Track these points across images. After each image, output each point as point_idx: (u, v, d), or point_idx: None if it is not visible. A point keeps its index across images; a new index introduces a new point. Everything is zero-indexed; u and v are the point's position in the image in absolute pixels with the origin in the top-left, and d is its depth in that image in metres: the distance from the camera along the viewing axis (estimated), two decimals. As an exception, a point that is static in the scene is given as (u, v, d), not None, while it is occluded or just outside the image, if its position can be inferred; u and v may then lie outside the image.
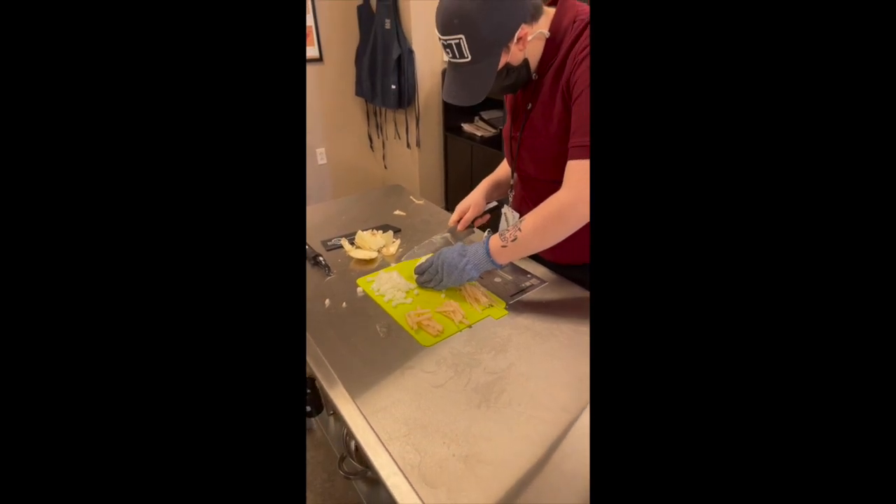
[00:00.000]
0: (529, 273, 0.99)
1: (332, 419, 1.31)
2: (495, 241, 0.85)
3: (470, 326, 0.83)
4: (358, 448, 0.66)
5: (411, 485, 0.56)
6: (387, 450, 0.61)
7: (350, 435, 1.17)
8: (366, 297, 0.94)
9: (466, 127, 2.61)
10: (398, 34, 2.29)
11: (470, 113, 2.62)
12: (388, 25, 2.30)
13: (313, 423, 1.37)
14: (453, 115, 2.63)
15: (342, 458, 1.11)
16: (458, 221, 1.10)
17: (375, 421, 0.65)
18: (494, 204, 1.14)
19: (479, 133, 2.52)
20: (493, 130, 2.48)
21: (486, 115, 2.55)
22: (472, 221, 1.11)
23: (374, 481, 1.11)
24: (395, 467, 0.58)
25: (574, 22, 0.77)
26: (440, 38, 0.76)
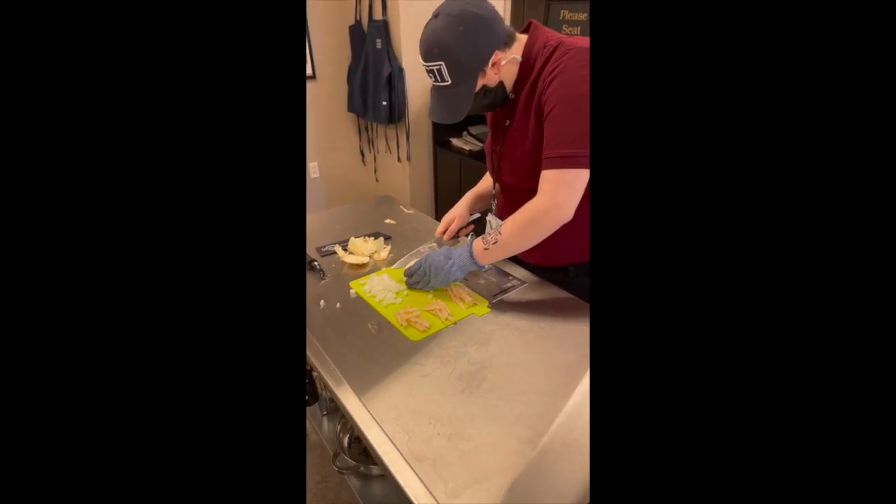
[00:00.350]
0: (511, 275, 1.07)
1: (325, 419, 1.36)
2: (478, 244, 0.93)
3: (455, 323, 0.90)
4: (354, 428, 0.72)
5: (402, 455, 0.62)
6: (381, 427, 0.67)
7: (347, 420, 1.22)
8: (358, 298, 1.00)
9: (455, 141, 2.71)
10: (388, 53, 2.40)
11: (458, 128, 2.72)
12: (378, 45, 2.40)
13: (307, 425, 1.41)
14: (442, 131, 2.73)
15: (335, 455, 1.16)
16: (444, 232, 1.18)
17: (370, 405, 0.71)
18: (478, 215, 1.22)
19: (466, 147, 2.62)
20: (481, 145, 2.58)
21: (473, 130, 2.65)
22: (458, 232, 1.19)
23: (367, 476, 1.16)
24: (390, 443, 0.65)
25: (544, 47, 0.86)
26: (423, 65, 0.85)
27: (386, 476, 0.64)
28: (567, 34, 2.35)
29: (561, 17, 2.28)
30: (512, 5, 2.55)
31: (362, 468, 1.11)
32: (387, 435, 0.66)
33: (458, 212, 1.17)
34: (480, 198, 1.19)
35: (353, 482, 1.15)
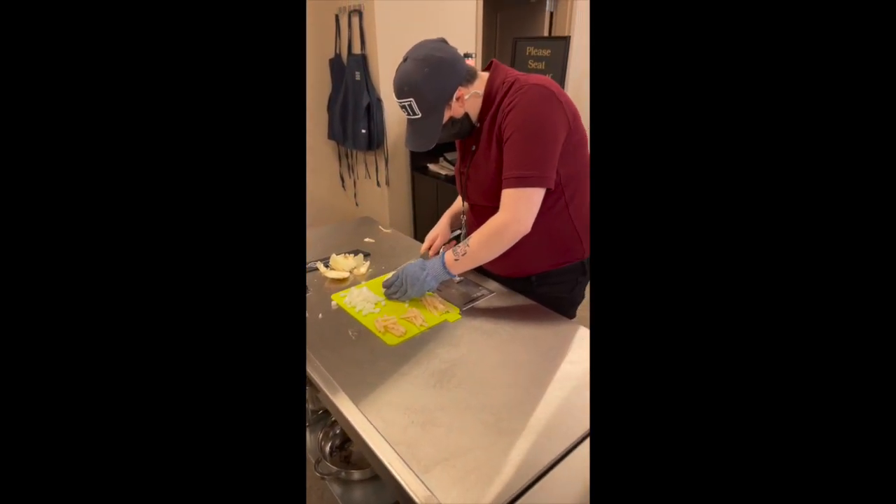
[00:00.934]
0: (481, 286, 1.17)
1: (307, 431, 1.41)
2: (449, 255, 1.03)
3: (429, 328, 0.99)
4: (337, 420, 0.79)
5: (383, 437, 0.70)
6: (364, 415, 0.74)
7: (329, 428, 1.28)
8: (339, 309, 1.08)
9: (432, 167, 2.84)
10: (367, 85, 2.54)
11: (435, 154, 2.85)
12: (357, 77, 2.54)
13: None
14: (420, 157, 2.86)
15: (318, 462, 1.21)
16: (430, 248, 1.28)
17: (352, 397, 0.79)
18: (459, 232, 1.32)
19: (443, 172, 2.75)
20: (456, 169, 2.71)
21: (449, 156, 2.79)
22: (441, 248, 1.29)
23: (348, 482, 1.21)
24: (373, 429, 0.72)
25: (503, 83, 0.99)
26: (397, 101, 0.97)
27: (366, 453, 0.71)
28: (532, 68, 2.55)
29: (527, 53, 2.47)
30: (484, 42, 2.74)
31: (343, 473, 1.16)
32: (369, 422, 0.73)
33: (441, 229, 1.28)
34: (456, 216, 1.30)
35: (335, 488, 1.20)
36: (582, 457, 0.69)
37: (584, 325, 0.98)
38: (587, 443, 0.71)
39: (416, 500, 0.59)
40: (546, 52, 2.38)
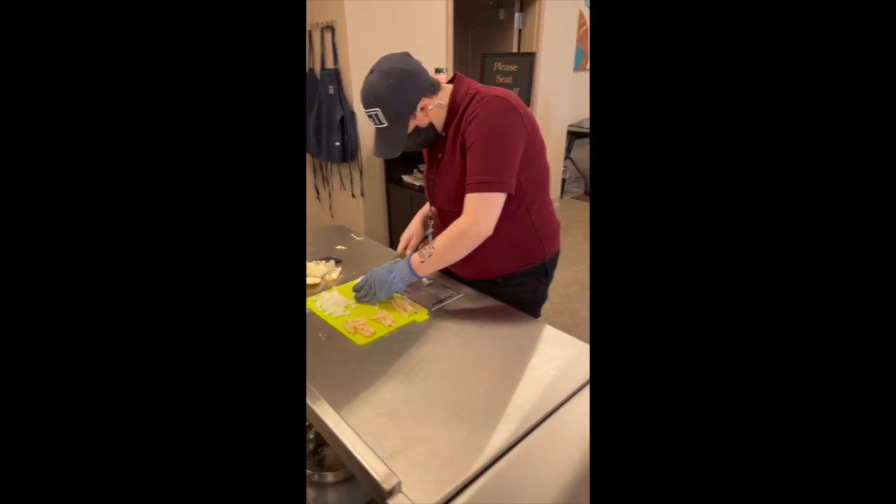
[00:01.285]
0: (449, 288, 1.21)
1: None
2: (415, 257, 1.07)
3: (398, 328, 1.03)
4: (308, 414, 0.82)
5: (348, 424, 0.73)
6: (332, 408, 0.77)
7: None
8: (311, 314, 1.11)
9: (406, 178, 2.90)
10: (341, 99, 2.59)
11: (409, 165, 2.91)
12: (331, 91, 2.59)
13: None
14: (394, 168, 2.92)
15: (291, 466, 1.22)
16: (405, 248, 1.32)
17: (322, 395, 0.81)
18: (432, 230, 1.37)
19: (417, 183, 2.81)
20: (430, 180, 2.77)
21: (422, 167, 2.85)
22: (417, 246, 1.34)
23: (321, 485, 1.22)
24: (343, 423, 0.75)
25: (466, 94, 1.05)
26: (364, 111, 1.02)
27: (338, 451, 0.74)
28: (500, 82, 2.65)
29: (495, 69, 2.57)
30: (455, 58, 2.83)
31: (316, 476, 1.18)
32: (339, 415, 0.76)
33: (415, 229, 1.33)
34: (427, 217, 1.36)
35: (309, 492, 1.21)
36: (537, 440, 0.74)
37: (549, 324, 1.04)
38: (542, 426, 0.76)
39: (378, 479, 0.62)
40: (513, 68, 2.49)
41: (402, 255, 1.34)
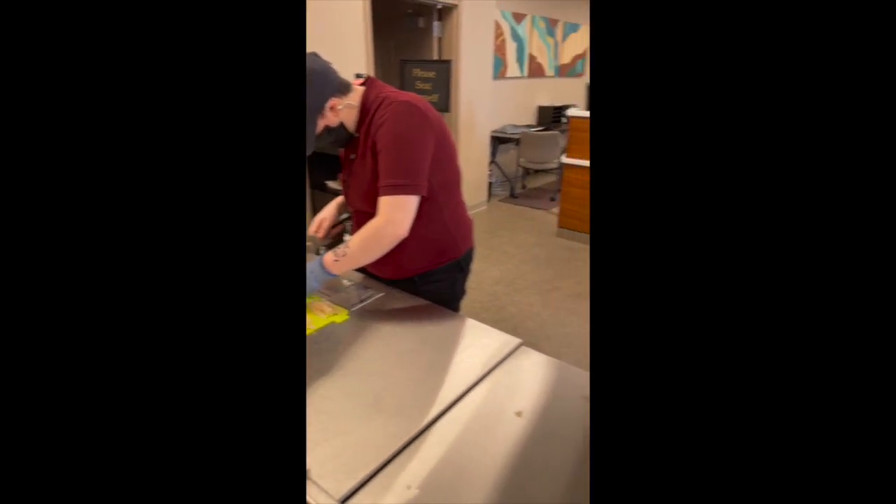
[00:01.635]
0: (369, 288, 1.23)
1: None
2: (329, 256, 1.08)
3: (317, 331, 1.03)
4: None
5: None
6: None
7: None
8: (225, 321, 1.08)
9: (331, 184, 2.87)
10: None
11: (332, 172, 2.89)
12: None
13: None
14: (319, 174, 2.88)
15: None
16: (317, 230, 1.32)
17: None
18: (346, 215, 1.38)
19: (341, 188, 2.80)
20: (355, 186, 2.77)
21: (347, 172, 2.85)
22: (330, 229, 1.34)
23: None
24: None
25: (377, 97, 1.08)
26: None
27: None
28: (419, 88, 2.71)
29: (414, 75, 2.63)
30: (377, 65, 2.85)
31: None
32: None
33: (329, 212, 1.34)
34: (344, 205, 1.37)
35: None
36: (448, 420, 0.78)
37: (469, 317, 1.09)
38: (451, 411, 0.81)
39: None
40: (431, 74, 2.56)
41: (315, 236, 1.35)
